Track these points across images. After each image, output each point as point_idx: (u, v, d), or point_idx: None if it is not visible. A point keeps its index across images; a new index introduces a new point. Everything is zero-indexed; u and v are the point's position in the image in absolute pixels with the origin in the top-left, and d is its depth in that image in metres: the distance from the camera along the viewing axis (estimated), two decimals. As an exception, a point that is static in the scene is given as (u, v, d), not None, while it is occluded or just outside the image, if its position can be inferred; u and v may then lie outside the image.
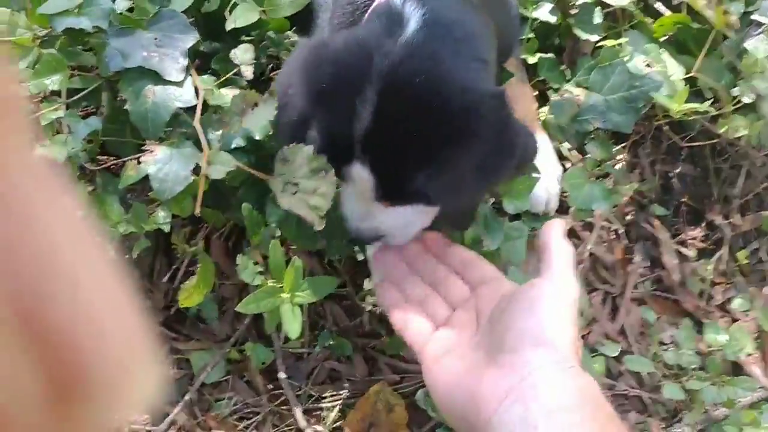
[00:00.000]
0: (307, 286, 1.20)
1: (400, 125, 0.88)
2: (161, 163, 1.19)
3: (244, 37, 1.36)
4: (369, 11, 1.00)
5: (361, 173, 0.93)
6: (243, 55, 1.28)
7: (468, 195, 1.03)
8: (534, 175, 1.29)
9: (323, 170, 1.08)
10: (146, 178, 1.17)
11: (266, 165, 1.17)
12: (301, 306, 1.18)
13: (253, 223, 1.24)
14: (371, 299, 1.45)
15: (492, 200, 1.34)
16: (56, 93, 1.29)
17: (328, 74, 0.92)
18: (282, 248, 1.20)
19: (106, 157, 1.37)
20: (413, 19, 0.90)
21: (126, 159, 1.23)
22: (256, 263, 1.27)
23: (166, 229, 1.21)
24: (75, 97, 1.27)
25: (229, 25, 1.29)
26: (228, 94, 1.24)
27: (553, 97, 1.38)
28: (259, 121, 1.18)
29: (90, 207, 1.27)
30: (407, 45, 0.88)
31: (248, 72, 1.27)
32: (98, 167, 1.31)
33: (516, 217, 1.30)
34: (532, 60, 1.49)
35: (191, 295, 1.31)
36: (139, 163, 1.19)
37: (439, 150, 0.89)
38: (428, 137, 0.88)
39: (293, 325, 1.15)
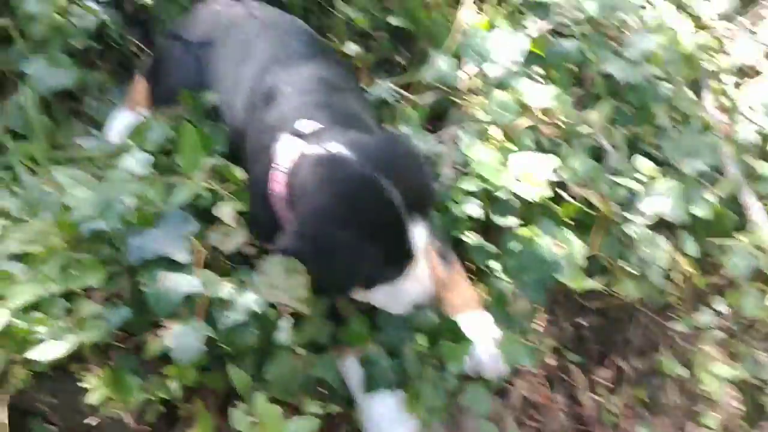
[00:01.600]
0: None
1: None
2: (178, 337, 1.50)
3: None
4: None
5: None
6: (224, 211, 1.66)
7: None
8: (468, 341, 1.66)
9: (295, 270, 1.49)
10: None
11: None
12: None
13: (243, 384, 1.55)
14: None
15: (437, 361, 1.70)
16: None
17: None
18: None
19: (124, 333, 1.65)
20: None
21: (143, 336, 1.54)
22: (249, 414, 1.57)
23: (179, 396, 1.51)
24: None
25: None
26: (227, 285, 1.57)
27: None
28: (234, 244, 1.58)
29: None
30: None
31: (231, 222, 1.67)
32: (120, 346, 1.59)
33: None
34: (463, 239, 1.88)
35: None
36: (157, 336, 1.50)
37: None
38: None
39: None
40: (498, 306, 1.75)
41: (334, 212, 1.42)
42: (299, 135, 1.62)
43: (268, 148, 1.67)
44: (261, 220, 1.69)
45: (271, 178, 1.61)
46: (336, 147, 1.48)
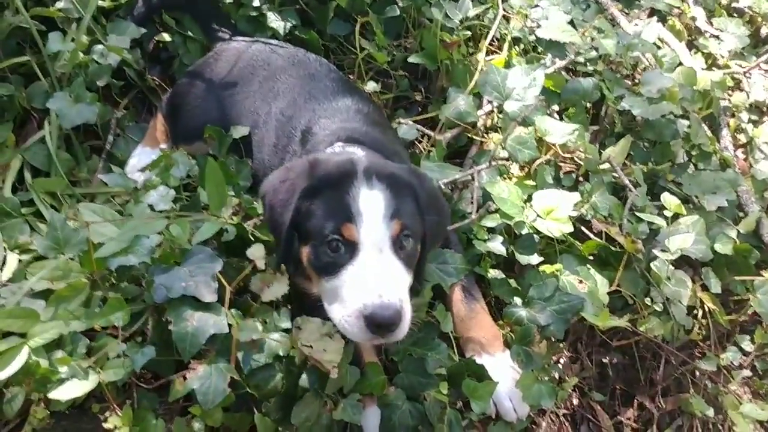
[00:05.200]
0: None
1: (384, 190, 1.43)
2: (203, 379, 1.48)
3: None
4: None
5: (373, 196, 1.42)
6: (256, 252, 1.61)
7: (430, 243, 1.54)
8: (493, 381, 1.63)
9: (330, 334, 1.50)
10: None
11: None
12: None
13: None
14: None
15: (460, 402, 1.67)
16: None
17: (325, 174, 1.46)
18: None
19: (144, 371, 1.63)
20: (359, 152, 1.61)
21: (170, 377, 1.52)
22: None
23: (201, 438, 1.48)
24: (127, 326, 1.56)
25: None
26: (255, 325, 1.55)
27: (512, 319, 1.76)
28: (275, 293, 1.55)
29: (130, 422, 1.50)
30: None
31: (261, 263, 1.59)
32: (141, 385, 1.56)
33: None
34: (488, 276, 1.87)
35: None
36: (185, 379, 1.48)
37: (404, 203, 1.46)
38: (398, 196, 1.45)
39: None
40: (521, 344, 1.72)
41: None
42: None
43: None
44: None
45: None
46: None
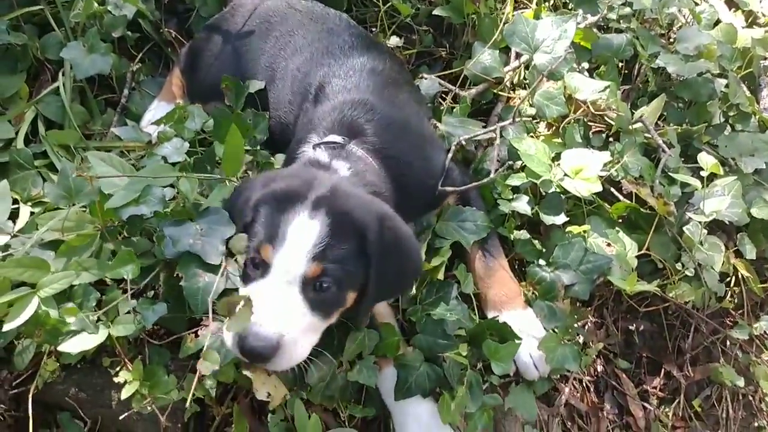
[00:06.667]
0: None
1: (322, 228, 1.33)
2: (216, 336, 1.42)
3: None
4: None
5: (307, 226, 1.32)
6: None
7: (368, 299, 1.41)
8: (516, 341, 1.57)
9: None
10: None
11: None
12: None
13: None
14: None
15: (480, 364, 1.61)
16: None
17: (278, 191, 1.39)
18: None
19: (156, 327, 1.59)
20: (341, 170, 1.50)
21: (182, 334, 1.48)
22: (284, 420, 1.51)
23: (213, 394, 1.45)
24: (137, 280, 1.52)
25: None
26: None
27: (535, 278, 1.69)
28: None
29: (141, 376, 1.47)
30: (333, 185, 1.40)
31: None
32: (152, 341, 1.53)
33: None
34: (511, 237, 1.80)
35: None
36: (197, 336, 1.44)
37: (339, 246, 1.33)
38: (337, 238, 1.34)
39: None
40: (545, 299, 1.66)
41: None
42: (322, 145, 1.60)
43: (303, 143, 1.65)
44: None
45: None
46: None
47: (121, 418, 1.47)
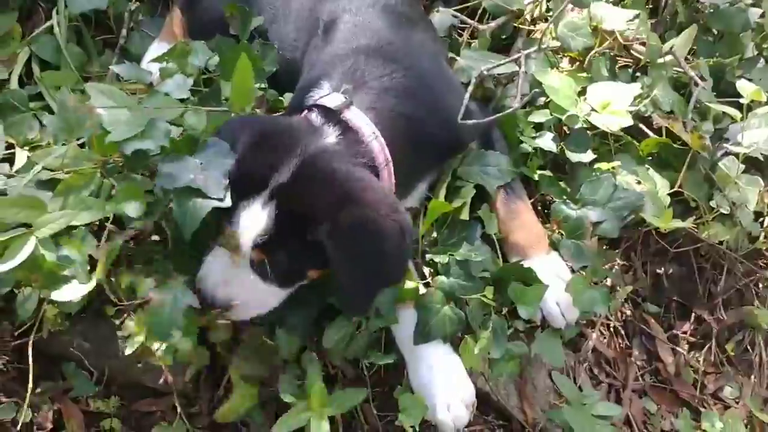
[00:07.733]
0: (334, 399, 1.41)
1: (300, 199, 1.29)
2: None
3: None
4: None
5: (255, 217, 1.29)
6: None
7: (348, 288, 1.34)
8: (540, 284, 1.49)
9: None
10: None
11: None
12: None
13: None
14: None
15: (505, 309, 1.52)
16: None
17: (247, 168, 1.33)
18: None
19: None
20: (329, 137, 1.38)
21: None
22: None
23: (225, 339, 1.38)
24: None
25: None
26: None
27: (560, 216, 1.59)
28: None
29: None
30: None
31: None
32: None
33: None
34: (535, 177, 1.70)
35: (228, 413, 1.48)
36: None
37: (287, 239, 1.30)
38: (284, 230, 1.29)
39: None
40: (572, 237, 1.57)
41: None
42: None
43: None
44: None
45: None
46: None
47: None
